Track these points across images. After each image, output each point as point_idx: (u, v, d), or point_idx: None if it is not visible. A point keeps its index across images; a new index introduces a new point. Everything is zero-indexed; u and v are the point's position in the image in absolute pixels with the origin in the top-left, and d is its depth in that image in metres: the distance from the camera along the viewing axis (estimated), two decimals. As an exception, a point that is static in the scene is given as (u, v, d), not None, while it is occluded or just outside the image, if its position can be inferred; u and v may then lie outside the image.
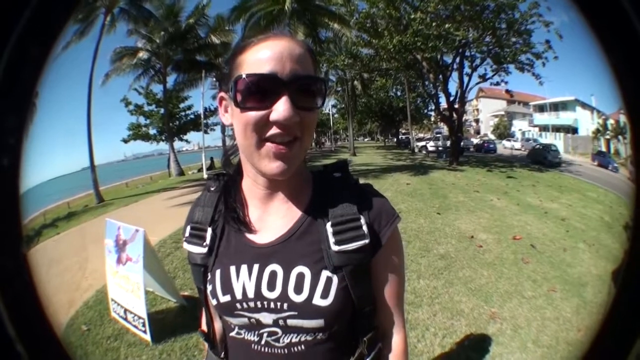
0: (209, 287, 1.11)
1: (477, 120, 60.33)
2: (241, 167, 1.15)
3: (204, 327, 1.31)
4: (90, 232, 11.96)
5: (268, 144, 0.96)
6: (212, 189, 1.22)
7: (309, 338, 1.06)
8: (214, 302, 1.10)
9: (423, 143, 39.97)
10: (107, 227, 5.34)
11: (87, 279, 7.21)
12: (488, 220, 9.57)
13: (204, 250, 1.12)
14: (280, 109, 0.92)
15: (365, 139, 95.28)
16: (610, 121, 29.85)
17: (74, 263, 8.46)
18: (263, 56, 0.96)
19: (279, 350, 1.06)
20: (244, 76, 0.95)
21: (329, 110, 61.53)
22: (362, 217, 1.07)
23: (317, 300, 1.01)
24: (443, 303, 5.18)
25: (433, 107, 35.31)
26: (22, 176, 0.57)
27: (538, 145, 31.22)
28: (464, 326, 4.60)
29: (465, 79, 24.34)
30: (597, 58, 0.55)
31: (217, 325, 1.26)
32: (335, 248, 1.03)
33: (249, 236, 1.10)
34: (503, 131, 49.72)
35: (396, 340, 1.18)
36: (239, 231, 1.11)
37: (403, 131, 57.59)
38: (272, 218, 1.12)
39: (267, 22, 23.55)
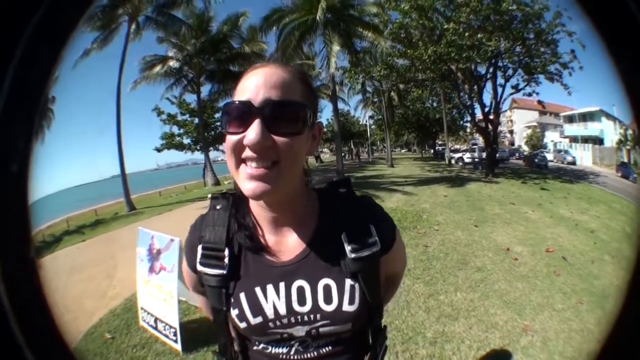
0: (234, 312, 1.12)
1: (511, 132, 59.71)
2: None
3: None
4: (120, 240, 12.15)
5: (244, 166, 1.00)
6: (219, 207, 1.22)
7: (334, 339, 1.13)
8: (242, 325, 1.12)
9: (459, 155, 39.75)
10: (140, 235, 5.38)
11: (114, 287, 7.30)
12: (523, 232, 9.58)
13: (223, 272, 1.12)
14: (251, 133, 0.95)
15: (402, 150, 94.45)
16: (630, 131, 29.40)
17: (100, 271, 8.57)
18: (245, 85, 1.02)
19: (309, 354, 1.13)
20: (227, 104, 1.02)
21: (367, 122, 61.39)
22: (371, 226, 1.15)
23: (346, 307, 1.08)
24: (479, 316, 5.20)
25: (469, 119, 35.15)
26: (30, 181, 0.57)
27: (528, 153, 39.27)
28: (498, 339, 4.62)
29: (499, 90, 24.20)
30: (609, 67, 0.57)
31: (236, 345, 1.25)
32: (351, 256, 1.09)
33: (267, 256, 1.13)
34: (536, 142, 49.23)
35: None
36: (256, 251, 1.14)
37: (440, 142, 57.09)
38: (286, 238, 1.16)
39: (301, 32, 23.49)
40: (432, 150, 58.22)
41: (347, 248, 1.10)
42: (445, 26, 20.45)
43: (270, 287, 1.10)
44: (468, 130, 52.69)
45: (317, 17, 22.06)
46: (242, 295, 1.11)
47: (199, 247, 1.17)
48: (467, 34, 19.91)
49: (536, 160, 33.60)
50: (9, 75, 0.53)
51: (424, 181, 21.39)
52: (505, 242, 8.60)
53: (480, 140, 35.20)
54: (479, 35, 19.78)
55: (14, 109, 0.55)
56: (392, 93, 42.39)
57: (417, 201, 14.27)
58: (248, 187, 0.99)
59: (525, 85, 23.27)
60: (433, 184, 19.48)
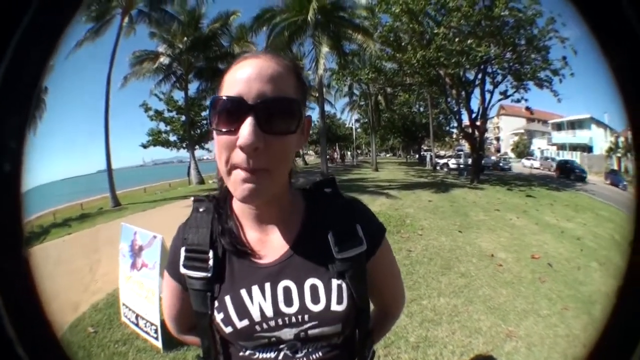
0: (219, 316, 1.07)
1: (497, 138, 60.51)
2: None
3: None
4: (105, 235, 12.08)
5: (235, 171, 0.94)
6: (201, 210, 1.18)
7: (325, 344, 1.08)
8: (228, 329, 1.06)
9: (444, 160, 40.58)
10: (123, 231, 5.36)
11: (97, 281, 7.28)
12: (508, 239, 9.62)
13: (207, 274, 1.08)
14: (244, 132, 0.89)
15: (387, 155, 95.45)
16: (621, 139, 29.97)
17: (84, 265, 8.51)
18: (235, 78, 0.95)
19: None
20: (216, 99, 0.95)
21: (352, 125, 61.72)
22: (358, 226, 1.11)
23: (334, 307, 1.04)
24: (462, 321, 5.19)
25: (455, 124, 35.73)
26: (23, 180, 0.56)
27: (496, 159, 43.62)
28: (481, 344, 4.62)
29: (487, 96, 24.47)
30: (604, 72, 0.55)
31: (220, 351, 1.18)
32: (338, 256, 1.05)
33: (252, 258, 1.09)
34: (523, 149, 50.05)
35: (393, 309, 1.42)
36: (240, 254, 1.10)
37: (425, 148, 57.44)
38: (270, 237, 1.12)
39: (291, 32, 23.60)
40: (417, 156, 58.81)
41: (334, 248, 1.06)
42: (436, 31, 20.70)
43: (255, 288, 1.06)
44: (454, 136, 53.29)
45: (309, 18, 22.10)
46: (228, 299, 1.06)
47: (182, 249, 1.12)
48: (457, 39, 20.13)
49: (500, 164, 39.02)
50: (1, 69, 0.52)
51: (408, 186, 21.56)
52: (490, 248, 8.62)
53: (466, 147, 35.67)
54: (469, 41, 19.99)
55: (7, 101, 0.54)
56: (379, 97, 42.92)
57: (401, 205, 14.31)
58: (239, 190, 0.94)
59: (514, 92, 23.50)
60: (417, 189, 19.62)
